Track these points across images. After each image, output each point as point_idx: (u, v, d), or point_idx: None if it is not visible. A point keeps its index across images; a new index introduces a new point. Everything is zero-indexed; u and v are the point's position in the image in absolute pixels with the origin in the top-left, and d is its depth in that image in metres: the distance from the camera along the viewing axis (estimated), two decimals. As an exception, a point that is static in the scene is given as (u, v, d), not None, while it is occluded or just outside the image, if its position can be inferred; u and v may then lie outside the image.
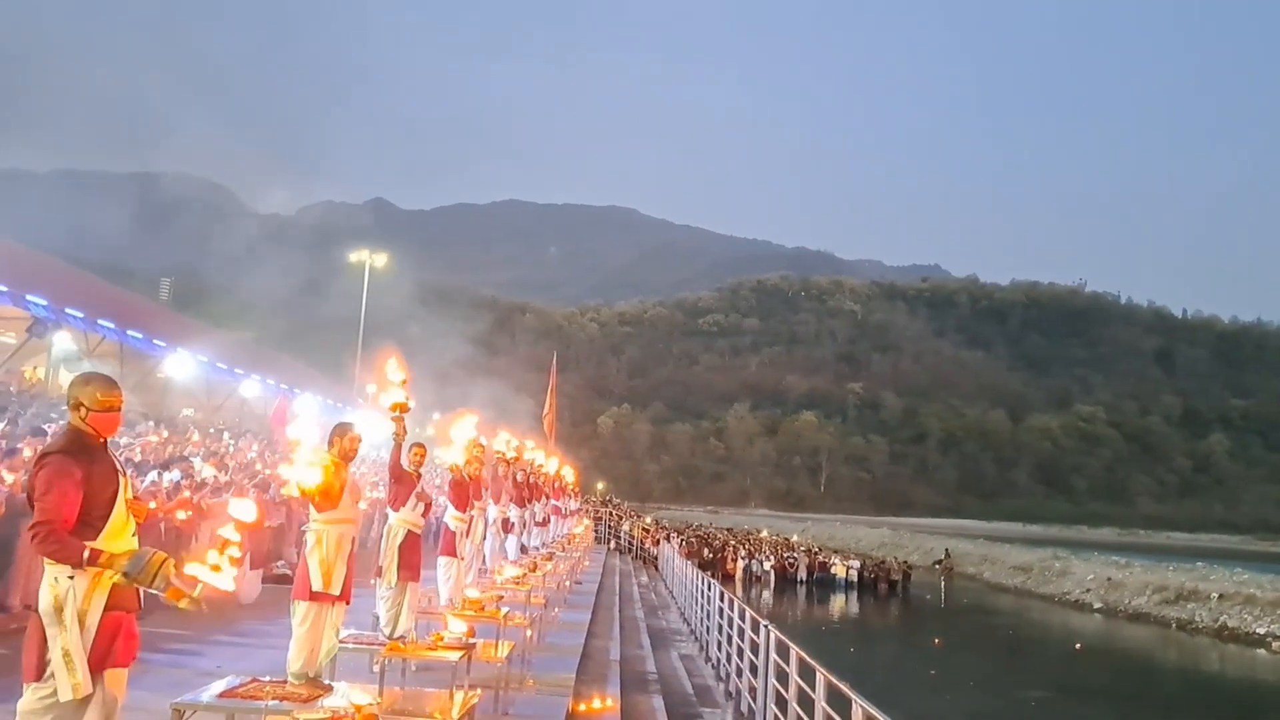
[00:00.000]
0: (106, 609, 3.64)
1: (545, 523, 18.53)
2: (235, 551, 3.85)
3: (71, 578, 3.62)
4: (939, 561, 56.87)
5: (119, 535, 3.74)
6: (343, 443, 6.17)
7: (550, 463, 21.21)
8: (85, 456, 3.72)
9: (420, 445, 8.42)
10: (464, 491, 9.76)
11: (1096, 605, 39.45)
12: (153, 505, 9.13)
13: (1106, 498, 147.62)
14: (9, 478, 9.31)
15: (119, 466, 3.89)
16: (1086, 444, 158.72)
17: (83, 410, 3.79)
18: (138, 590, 3.81)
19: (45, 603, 3.60)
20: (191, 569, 3.76)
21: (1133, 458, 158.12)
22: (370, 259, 39.10)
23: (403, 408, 7.57)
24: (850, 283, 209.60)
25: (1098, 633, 34.16)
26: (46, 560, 3.66)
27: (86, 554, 3.54)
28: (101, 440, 3.85)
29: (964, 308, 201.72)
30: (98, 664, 3.61)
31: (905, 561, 48.70)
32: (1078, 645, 29.59)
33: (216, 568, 3.78)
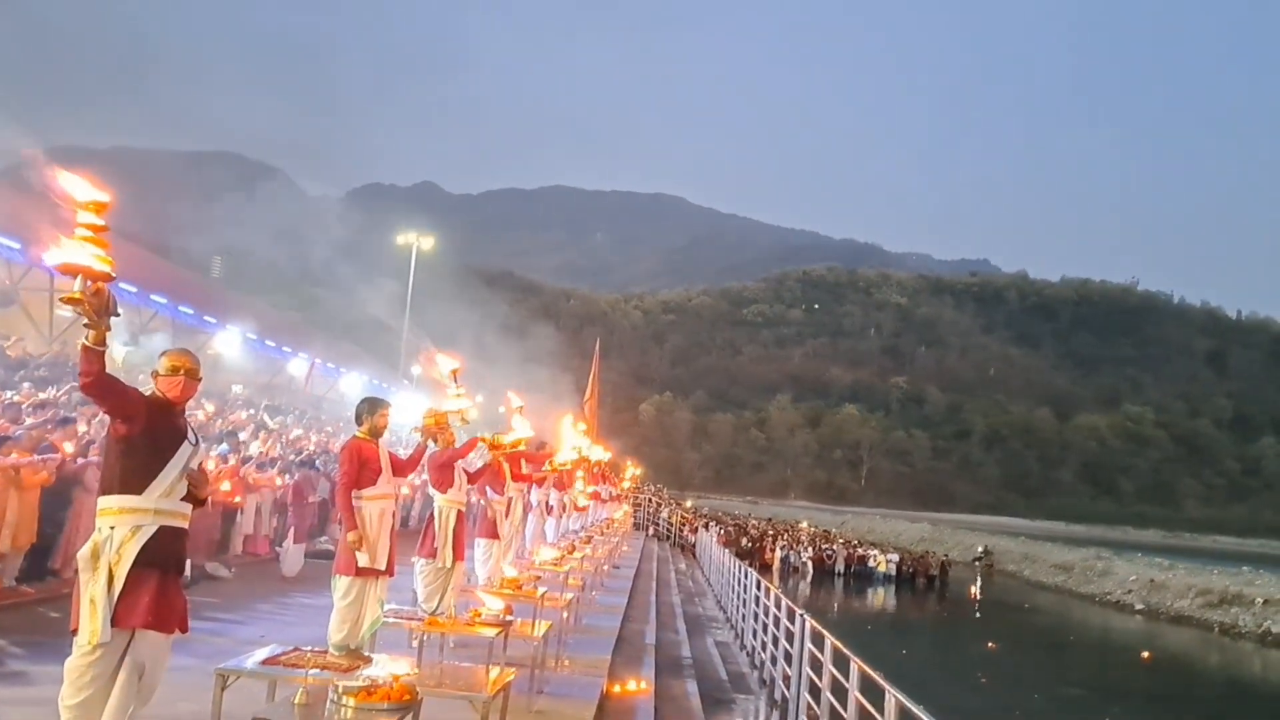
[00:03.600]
0: (138, 564, 3.79)
1: (583, 508, 18.60)
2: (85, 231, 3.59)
3: (113, 528, 3.80)
4: (978, 558, 56.40)
5: (166, 495, 3.92)
6: (373, 419, 6.25)
7: (594, 450, 21.26)
8: (152, 408, 3.97)
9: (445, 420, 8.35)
10: (500, 474, 9.82)
11: (1138, 606, 38.93)
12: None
13: (1153, 499, 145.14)
14: (68, 448, 9.54)
15: (189, 435, 4.11)
16: (1134, 445, 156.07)
17: (155, 377, 4.12)
18: (181, 551, 3.98)
19: (84, 550, 3.81)
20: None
21: (1181, 460, 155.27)
22: (418, 242, 39.45)
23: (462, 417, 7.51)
24: (897, 276, 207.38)
25: (1139, 634, 33.72)
26: (97, 512, 3.88)
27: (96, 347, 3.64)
28: (174, 405, 4.11)
29: (1012, 304, 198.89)
30: (124, 617, 3.75)
31: (945, 556, 48.33)
32: (1145, 654, 28.79)
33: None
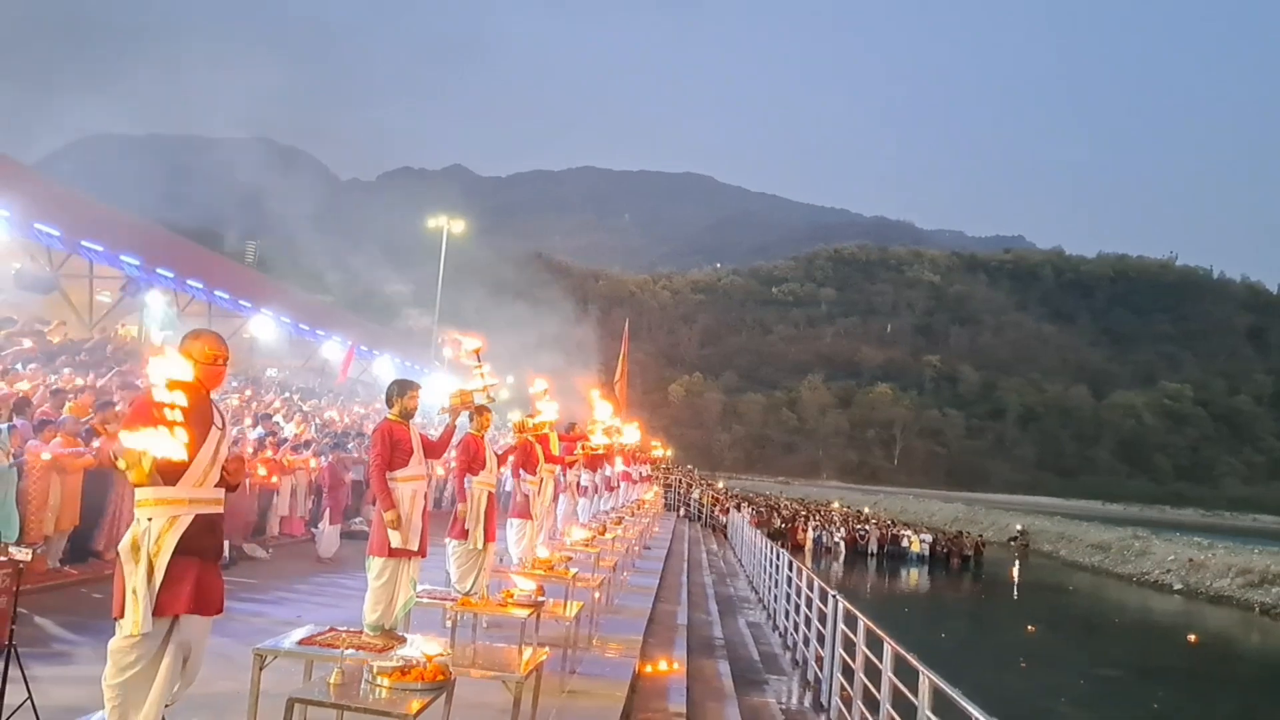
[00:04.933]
0: (178, 553, 3.80)
1: (614, 488, 18.66)
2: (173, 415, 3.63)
3: (150, 519, 3.81)
4: (1014, 538, 56.07)
5: (199, 484, 3.92)
6: (403, 401, 6.28)
7: (627, 430, 21.28)
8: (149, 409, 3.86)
9: (486, 409, 8.40)
10: (532, 455, 9.87)
11: (1177, 586, 38.56)
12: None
13: (1191, 478, 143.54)
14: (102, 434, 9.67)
15: (218, 421, 4.07)
16: (1172, 422, 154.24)
17: (191, 363, 3.98)
18: (218, 537, 4.01)
19: (125, 541, 3.82)
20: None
21: (1220, 438, 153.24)
22: (448, 225, 39.59)
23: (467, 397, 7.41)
24: (930, 253, 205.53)
25: (1177, 614, 33.42)
26: (135, 504, 3.87)
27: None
28: (205, 392, 4.06)
29: (1048, 281, 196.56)
30: (166, 607, 3.77)
31: (979, 536, 48.07)
32: (1191, 637, 28.30)
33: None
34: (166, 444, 3.51)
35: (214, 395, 4.22)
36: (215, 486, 3.99)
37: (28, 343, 14.13)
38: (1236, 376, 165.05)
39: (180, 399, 3.65)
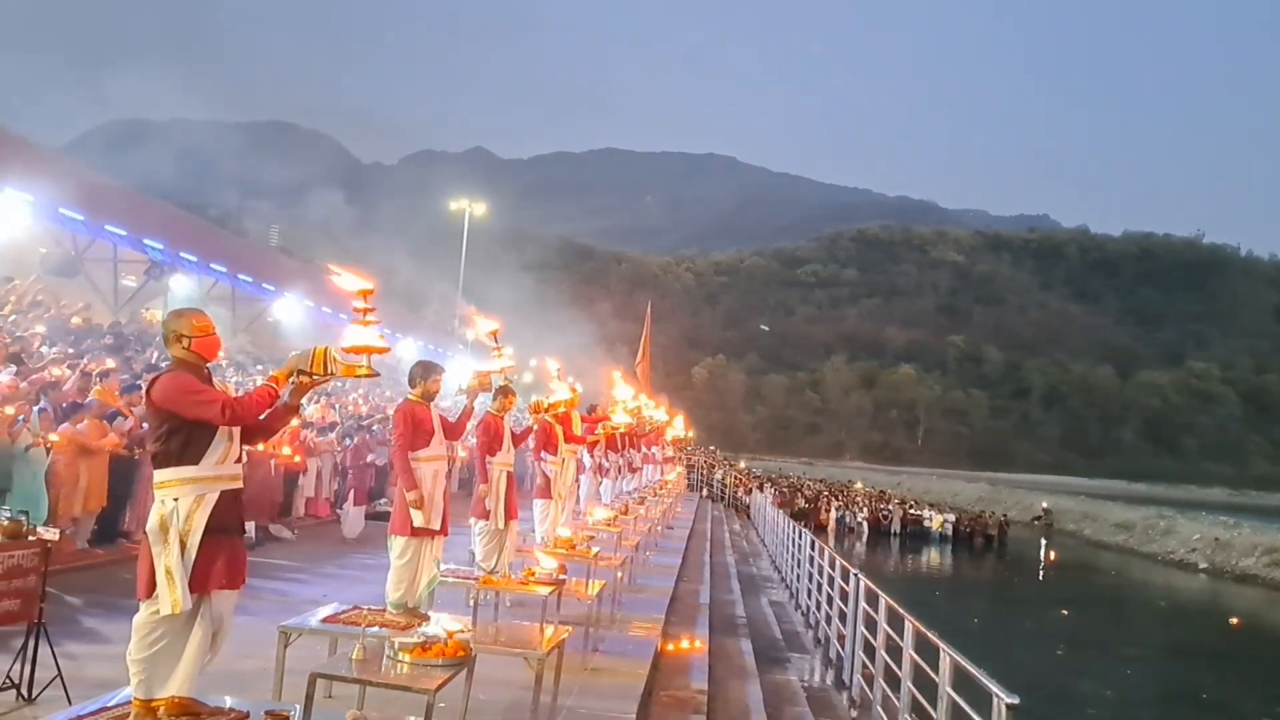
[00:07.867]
0: (208, 531, 3.78)
1: (637, 469, 18.66)
2: (371, 318, 4.23)
3: (176, 499, 3.79)
4: (1037, 517, 55.81)
5: (222, 461, 3.90)
6: (426, 383, 6.31)
7: (655, 411, 21.26)
8: (203, 379, 3.91)
9: (510, 390, 8.42)
10: (553, 436, 9.90)
11: (1202, 565, 38.29)
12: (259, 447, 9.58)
13: (1218, 457, 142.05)
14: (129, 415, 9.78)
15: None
16: (1198, 401, 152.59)
17: (185, 340, 3.93)
18: (241, 511, 4.02)
19: (152, 523, 3.79)
20: (349, 340, 4.11)
21: (1247, 417, 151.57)
22: (470, 208, 39.64)
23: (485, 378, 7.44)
24: (954, 233, 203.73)
25: (1202, 592, 33.21)
26: (156, 485, 3.85)
27: (274, 387, 3.94)
28: (206, 368, 4.02)
29: (1073, 260, 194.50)
30: (200, 584, 3.76)
31: (1003, 516, 47.90)
32: (1234, 620, 27.82)
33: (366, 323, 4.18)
34: (371, 336, 4.11)
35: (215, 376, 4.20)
36: (235, 463, 3.97)
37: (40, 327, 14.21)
38: (1264, 355, 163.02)
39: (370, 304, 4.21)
